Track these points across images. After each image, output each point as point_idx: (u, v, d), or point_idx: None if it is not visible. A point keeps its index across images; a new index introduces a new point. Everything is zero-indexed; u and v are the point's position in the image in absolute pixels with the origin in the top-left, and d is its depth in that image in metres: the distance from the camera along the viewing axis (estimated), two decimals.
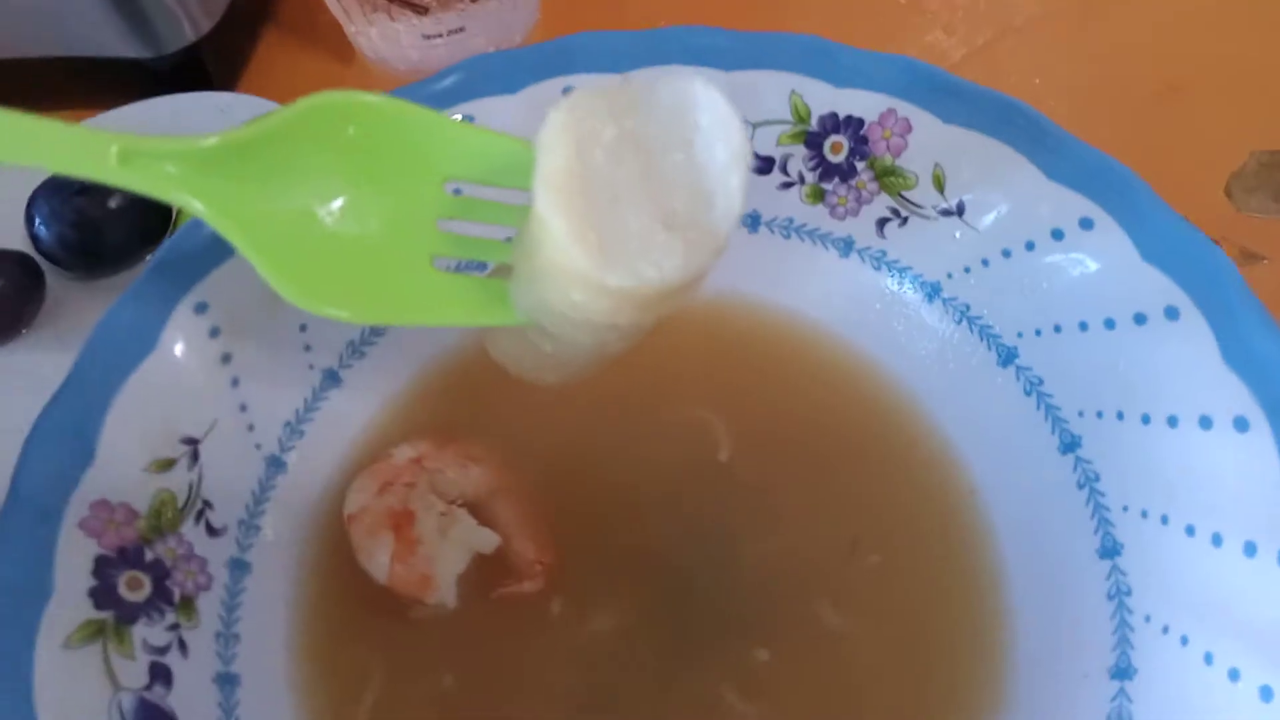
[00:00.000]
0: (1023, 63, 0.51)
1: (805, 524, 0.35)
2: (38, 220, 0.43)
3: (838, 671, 0.33)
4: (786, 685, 0.33)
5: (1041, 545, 0.34)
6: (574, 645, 0.34)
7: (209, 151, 0.24)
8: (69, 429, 0.30)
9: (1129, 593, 0.30)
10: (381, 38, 0.49)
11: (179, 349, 0.33)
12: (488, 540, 0.35)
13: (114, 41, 0.47)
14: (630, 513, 0.36)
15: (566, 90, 0.36)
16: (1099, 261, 0.32)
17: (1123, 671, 0.30)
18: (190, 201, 0.24)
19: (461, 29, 0.48)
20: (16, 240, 0.44)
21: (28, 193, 0.44)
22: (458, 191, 0.28)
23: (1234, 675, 0.27)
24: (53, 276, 0.44)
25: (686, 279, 0.22)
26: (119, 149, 0.24)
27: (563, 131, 0.22)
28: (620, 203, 0.22)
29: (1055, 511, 0.33)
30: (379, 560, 0.34)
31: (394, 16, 0.47)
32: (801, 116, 0.36)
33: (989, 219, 0.35)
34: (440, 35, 0.48)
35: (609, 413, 0.38)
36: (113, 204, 0.43)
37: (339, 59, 0.53)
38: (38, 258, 0.43)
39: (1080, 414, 0.33)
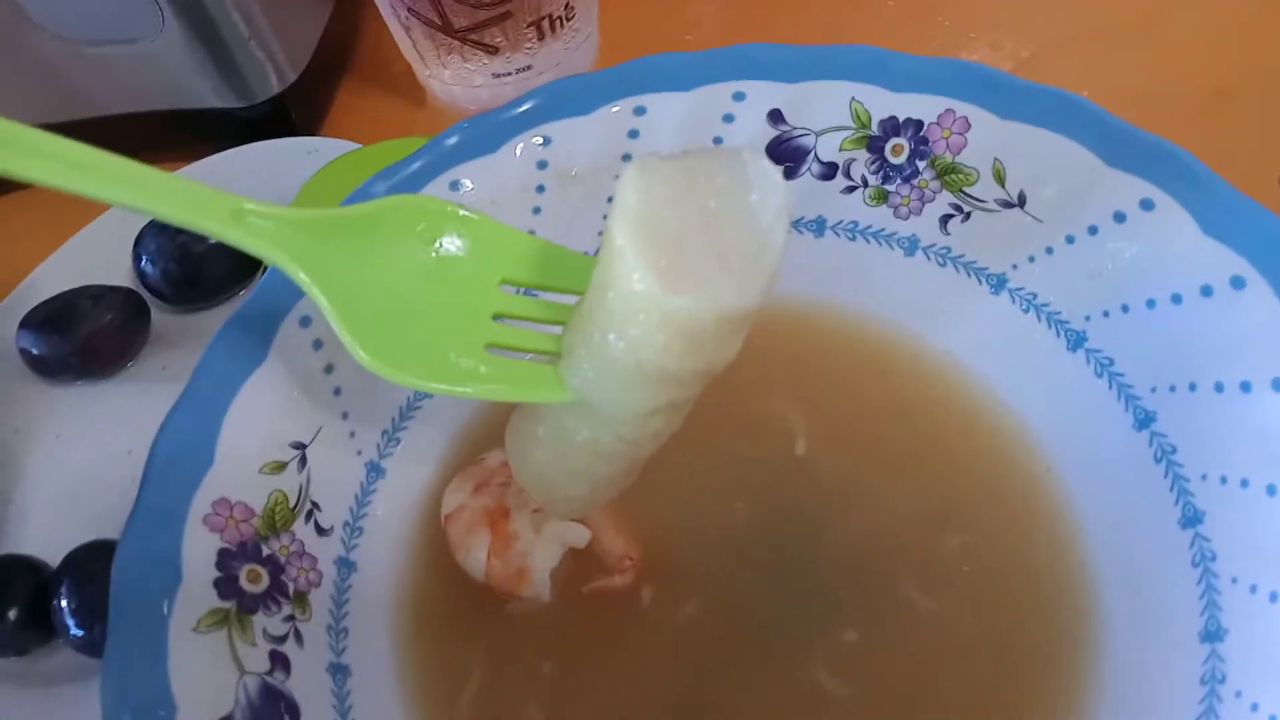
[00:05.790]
0: (1070, 74, 0.53)
1: (887, 509, 0.36)
2: (144, 258, 0.46)
3: (927, 649, 0.34)
4: (876, 665, 0.34)
5: (1122, 520, 0.34)
6: (666, 633, 0.35)
7: (304, 221, 0.27)
8: (190, 433, 0.33)
9: (1214, 558, 0.31)
10: (454, 78, 0.52)
11: (286, 360, 0.35)
12: (579, 535, 0.36)
13: (208, 94, 0.51)
14: (715, 506, 0.37)
15: (639, 110, 0.38)
16: (1162, 240, 0.33)
17: (1213, 634, 0.30)
18: (286, 263, 0.27)
19: (529, 67, 0.51)
20: (124, 277, 0.47)
21: (134, 233, 0.47)
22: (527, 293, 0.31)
23: None
24: (156, 310, 0.47)
25: (736, 313, 0.24)
26: (232, 209, 0.26)
27: (639, 176, 0.24)
28: (683, 244, 0.24)
29: (1134, 487, 0.34)
30: (476, 556, 0.36)
31: (466, 58, 0.50)
32: (863, 122, 0.38)
33: (1050, 208, 0.36)
34: (509, 74, 0.51)
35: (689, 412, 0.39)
36: (212, 240, 0.45)
37: (412, 101, 0.56)
38: (143, 292, 0.46)
39: (1153, 389, 0.34)
